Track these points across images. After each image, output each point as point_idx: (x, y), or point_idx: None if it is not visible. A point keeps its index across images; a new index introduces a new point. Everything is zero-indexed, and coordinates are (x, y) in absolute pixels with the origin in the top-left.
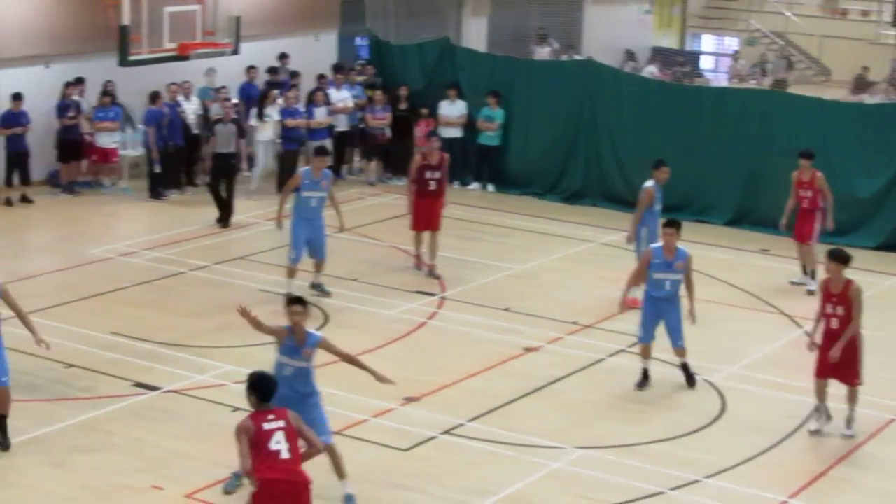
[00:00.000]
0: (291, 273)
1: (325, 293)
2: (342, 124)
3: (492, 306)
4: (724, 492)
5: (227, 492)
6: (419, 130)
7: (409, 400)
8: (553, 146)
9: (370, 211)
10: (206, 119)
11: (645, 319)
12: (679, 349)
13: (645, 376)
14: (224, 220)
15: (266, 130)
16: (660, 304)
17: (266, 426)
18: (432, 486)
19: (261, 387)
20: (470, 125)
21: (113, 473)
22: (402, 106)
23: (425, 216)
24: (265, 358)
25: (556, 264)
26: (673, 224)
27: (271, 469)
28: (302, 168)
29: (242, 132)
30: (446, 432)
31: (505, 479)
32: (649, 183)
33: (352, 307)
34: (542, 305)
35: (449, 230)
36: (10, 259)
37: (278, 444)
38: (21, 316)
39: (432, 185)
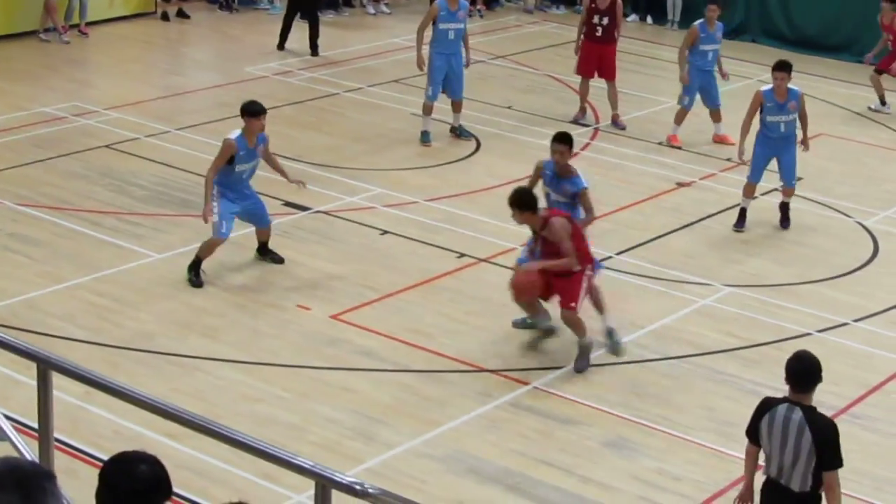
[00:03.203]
0: (428, 110)
1: (466, 136)
2: None
3: (645, 139)
4: (871, 335)
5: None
6: None
7: None
8: None
9: (527, 39)
10: None
11: (756, 160)
12: (790, 189)
13: (742, 216)
14: (312, 48)
15: None
16: (775, 144)
17: None
18: None
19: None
20: None
21: (259, 292)
22: None
23: (592, 62)
24: (418, 182)
25: None
26: (783, 67)
27: None
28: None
29: None
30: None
31: (652, 313)
32: (697, 22)
33: (504, 134)
34: (696, 141)
35: None
36: (167, 74)
37: None
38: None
39: (598, 31)
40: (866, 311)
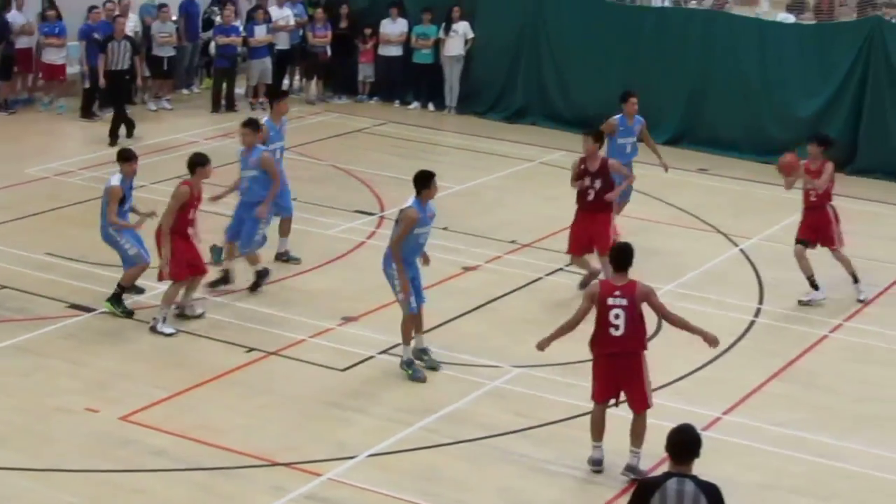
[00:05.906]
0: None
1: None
2: (283, 43)
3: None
4: (659, 409)
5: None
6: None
7: (348, 320)
8: (495, 65)
9: (310, 130)
10: (146, 37)
11: None
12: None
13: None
14: (129, 133)
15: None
16: None
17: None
18: (370, 405)
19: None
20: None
21: (47, 396)
22: (343, 24)
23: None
24: (202, 278)
25: (496, 183)
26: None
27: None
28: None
29: (137, 49)
30: (384, 352)
31: (443, 397)
32: (616, 116)
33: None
34: (481, 224)
35: (388, 148)
36: None
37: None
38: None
39: (590, 196)
40: (655, 382)
